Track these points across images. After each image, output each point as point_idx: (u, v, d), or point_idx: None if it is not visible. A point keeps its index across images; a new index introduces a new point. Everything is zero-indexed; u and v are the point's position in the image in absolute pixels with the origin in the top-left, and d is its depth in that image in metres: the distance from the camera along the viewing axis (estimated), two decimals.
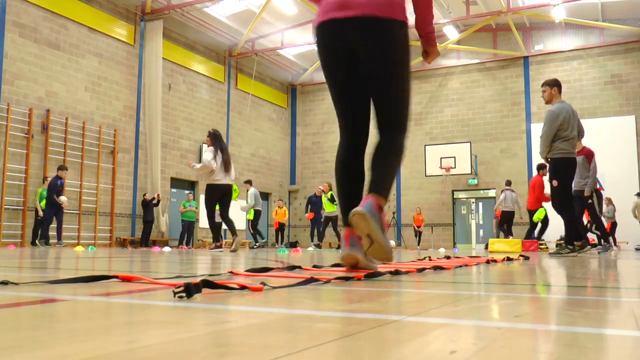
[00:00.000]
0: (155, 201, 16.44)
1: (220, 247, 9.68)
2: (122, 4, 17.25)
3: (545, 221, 13.27)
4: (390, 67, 3.11)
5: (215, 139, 9.44)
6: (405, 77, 3.27)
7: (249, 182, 16.83)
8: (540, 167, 12.90)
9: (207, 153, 9.25)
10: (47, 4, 14.97)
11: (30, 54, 14.43)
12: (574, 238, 7.07)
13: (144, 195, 16.73)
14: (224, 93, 21.48)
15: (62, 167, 13.45)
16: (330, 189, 16.15)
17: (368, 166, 2.82)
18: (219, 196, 9.19)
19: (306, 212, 17.53)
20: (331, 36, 3.02)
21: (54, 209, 13.14)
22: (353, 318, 1.20)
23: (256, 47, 21.84)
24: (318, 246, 16.50)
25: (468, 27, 21.20)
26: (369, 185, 2.73)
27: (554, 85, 7.31)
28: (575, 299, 1.82)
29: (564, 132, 7.07)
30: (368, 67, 2.99)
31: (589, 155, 10.41)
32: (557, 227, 18.80)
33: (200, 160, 19.41)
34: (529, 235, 13.26)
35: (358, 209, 2.49)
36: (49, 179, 13.38)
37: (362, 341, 0.93)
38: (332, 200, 15.86)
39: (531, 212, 13.27)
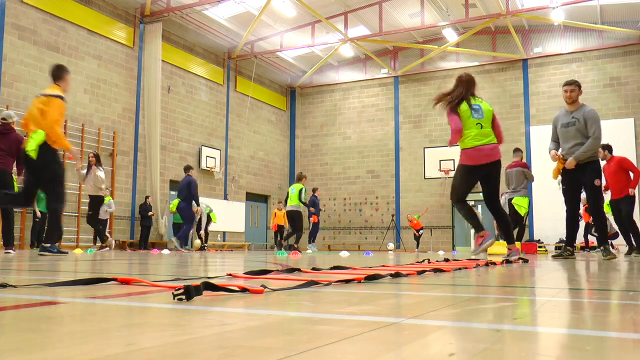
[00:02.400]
0: (150, 209, 16.57)
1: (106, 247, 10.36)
2: (122, 7, 17.26)
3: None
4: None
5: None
6: None
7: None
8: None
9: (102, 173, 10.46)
10: (46, 6, 14.97)
11: (29, 56, 14.43)
12: (606, 239, 7.01)
13: (147, 198, 16.72)
14: (223, 95, 21.48)
15: None
16: (299, 180, 14.23)
17: None
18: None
19: (309, 215, 16.84)
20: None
21: None
22: (352, 320, 1.20)
23: (255, 50, 21.85)
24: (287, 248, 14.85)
25: (467, 30, 21.23)
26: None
27: (579, 86, 7.41)
28: (573, 301, 1.82)
29: None
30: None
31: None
32: (555, 228, 18.84)
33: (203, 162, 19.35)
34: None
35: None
36: None
37: (362, 343, 0.93)
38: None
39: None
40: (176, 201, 13.41)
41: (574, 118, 7.19)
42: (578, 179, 7.00)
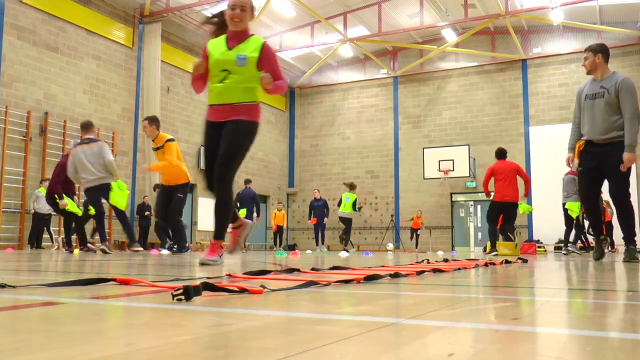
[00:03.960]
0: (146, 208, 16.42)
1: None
2: (121, 7, 17.25)
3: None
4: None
5: None
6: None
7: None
8: (505, 153, 10.79)
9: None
10: (45, 6, 14.96)
11: (28, 57, 14.42)
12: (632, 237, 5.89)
13: (144, 197, 16.71)
14: None
15: None
16: (352, 189, 15.86)
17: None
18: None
19: (309, 218, 17.57)
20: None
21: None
22: (352, 320, 1.20)
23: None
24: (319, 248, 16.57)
25: (466, 30, 21.24)
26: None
27: (600, 51, 6.18)
28: (573, 302, 1.82)
29: None
30: None
31: None
32: (555, 228, 18.83)
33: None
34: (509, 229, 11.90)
35: None
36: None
37: (361, 344, 0.93)
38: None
39: (513, 205, 11.38)
40: (243, 211, 14.80)
41: (602, 88, 6.03)
42: (601, 160, 5.85)
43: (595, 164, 5.88)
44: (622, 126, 5.78)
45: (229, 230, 4.53)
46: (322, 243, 17.15)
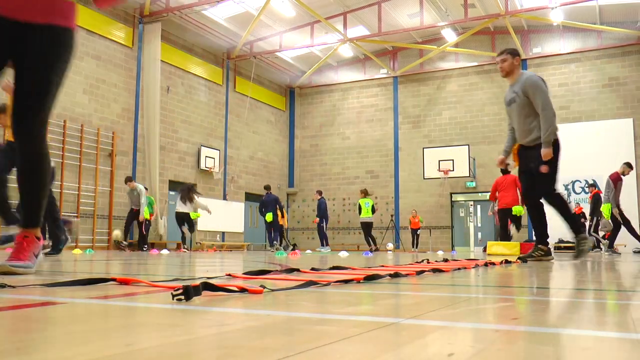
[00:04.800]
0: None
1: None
2: (121, 7, 17.25)
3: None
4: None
5: None
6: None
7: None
8: (506, 172, 12.27)
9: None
10: None
11: None
12: (580, 228, 6.05)
13: None
14: (222, 95, 21.48)
15: None
16: (367, 195, 16.95)
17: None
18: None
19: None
20: None
21: None
22: (351, 320, 1.20)
23: (254, 50, 21.85)
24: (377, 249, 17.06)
25: (466, 30, 21.24)
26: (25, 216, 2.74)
27: (517, 54, 6.19)
28: (573, 302, 1.82)
29: None
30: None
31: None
32: (555, 228, 18.84)
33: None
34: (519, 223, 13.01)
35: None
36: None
37: (361, 344, 0.93)
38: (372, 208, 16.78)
39: (508, 212, 12.61)
40: (269, 215, 16.32)
41: (513, 92, 6.08)
42: (527, 163, 6.07)
43: (526, 167, 6.09)
44: (535, 131, 5.97)
45: (20, 233, 2.81)
46: (327, 244, 17.66)
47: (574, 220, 5.97)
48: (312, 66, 23.71)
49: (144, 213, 14.41)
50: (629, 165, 12.41)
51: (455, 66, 22.63)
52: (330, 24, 19.72)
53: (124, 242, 14.50)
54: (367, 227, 16.95)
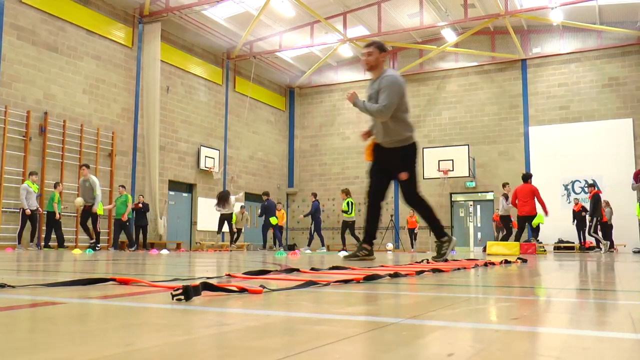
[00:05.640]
0: (140, 205, 16.18)
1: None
2: (120, 7, 17.25)
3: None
4: None
5: None
6: None
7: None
8: (530, 176, 13.37)
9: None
10: (45, 6, 14.95)
11: (28, 57, 14.42)
12: (442, 232, 5.70)
13: (140, 197, 16.68)
14: (222, 95, 21.48)
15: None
16: (348, 196, 16.59)
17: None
18: None
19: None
20: None
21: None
22: (351, 320, 1.20)
23: (254, 50, 21.85)
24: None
25: (466, 30, 21.23)
26: None
27: (384, 50, 5.73)
28: (573, 302, 1.82)
29: (404, 113, 5.71)
30: None
31: None
32: (555, 228, 18.87)
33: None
34: (534, 237, 13.63)
35: None
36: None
37: (360, 344, 0.93)
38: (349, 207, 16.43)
39: (531, 218, 13.19)
40: (274, 219, 17.59)
41: (372, 88, 5.67)
42: (386, 165, 5.71)
43: (383, 166, 5.72)
44: (398, 131, 5.56)
45: None
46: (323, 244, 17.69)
47: (437, 224, 5.68)
48: (312, 66, 23.71)
49: (98, 207, 13.21)
50: None
51: (455, 66, 22.63)
52: (330, 24, 19.72)
53: (98, 245, 13.36)
54: (347, 225, 16.58)
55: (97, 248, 13.10)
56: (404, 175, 5.52)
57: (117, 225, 15.35)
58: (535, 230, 13.61)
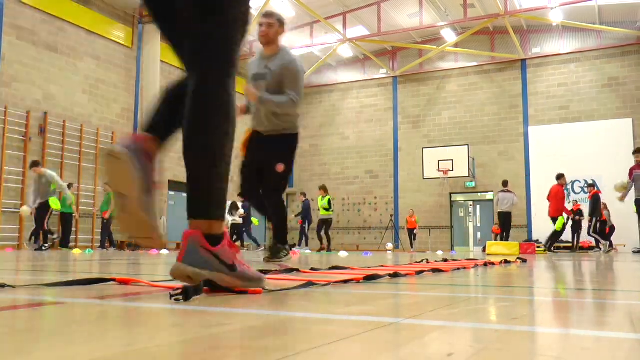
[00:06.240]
0: None
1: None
2: (120, 7, 17.25)
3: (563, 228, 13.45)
4: None
5: None
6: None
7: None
8: (560, 177, 13.46)
9: None
10: (45, 6, 14.96)
11: (28, 57, 14.42)
12: (285, 239, 5.13)
13: None
14: None
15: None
16: (327, 194, 16.43)
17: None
18: None
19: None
20: None
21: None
22: (351, 320, 1.20)
23: (254, 50, 21.84)
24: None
25: (466, 30, 21.24)
26: (187, 204, 1.78)
27: (284, 24, 5.25)
28: (572, 302, 1.82)
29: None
30: None
31: None
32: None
33: None
34: (554, 241, 13.58)
35: (178, 266, 1.69)
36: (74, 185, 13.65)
37: (360, 344, 0.93)
38: (328, 204, 16.28)
39: (553, 220, 13.37)
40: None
41: (265, 67, 5.05)
42: (263, 155, 5.03)
43: (259, 158, 5.05)
44: (287, 119, 5.01)
45: None
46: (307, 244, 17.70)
47: (284, 229, 5.15)
48: (312, 66, 23.70)
49: (53, 203, 11.91)
50: None
51: (455, 66, 22.64)
52: (329, 24, 19.72)
53: (46, 245, 12.05)
54: (324, 223, 16.48)
55: (44, 248, 11.77)
56: (281, 167, 4.92)
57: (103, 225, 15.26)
58: (554, 235, 13.40)
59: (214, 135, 1.78)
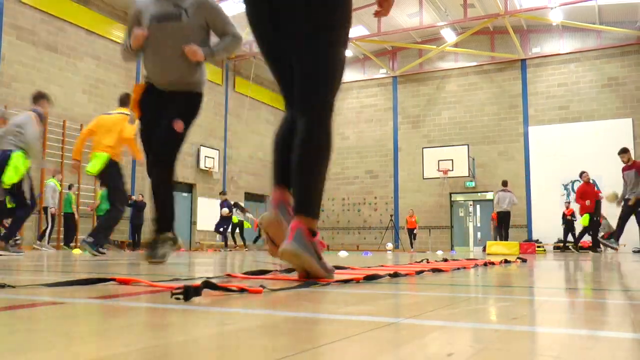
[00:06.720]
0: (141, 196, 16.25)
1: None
2: (120, 7, 17.25)
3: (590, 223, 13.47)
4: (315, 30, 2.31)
5: None
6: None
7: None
8: (580, 175, 13.43)
9: None
10: (44, 6, 14.95)
11: (27, 57, 14.42)
12: (171, 225, 4.31)
13: (130, 196, 16.63)
14: (222, 96, 21.47)
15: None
16: None
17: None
18: None
19: None
20: None
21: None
22: (351, 320, 1.20)
23: (254, 50, 21.84)
24: None
25: (465, 30, 21.24)
26: (294, 202, 2.29)
27: None
28: (572, 301, 1.82)
29: None
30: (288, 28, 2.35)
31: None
32: (554, 228, 18.86)
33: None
34: (580, 238, 13.99)
35: (287, 246, 2.12)
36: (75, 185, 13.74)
37: (360, 343, 0.93)
38: None
39: (582, 217, 13.47)
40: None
41: (177, 7, 4.19)
42: (160, 113, 4.26)
43: (153, 117, 4.28)
44: (193, 73, 4.25)
45: None
46: None
47: (171, 215, 4.33)
48: None
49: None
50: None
51: (455, 66, 22.64)
52: None
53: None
54: None
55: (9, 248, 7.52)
56: (180, 125, 4.17)
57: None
58: (580, 233, 13.64)
59: (322, 167, 2.29)
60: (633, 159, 11.33)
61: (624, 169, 11.34)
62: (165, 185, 4.29)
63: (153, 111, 4.29)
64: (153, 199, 4.33)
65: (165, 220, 4.27)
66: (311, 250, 2.15)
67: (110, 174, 6.86)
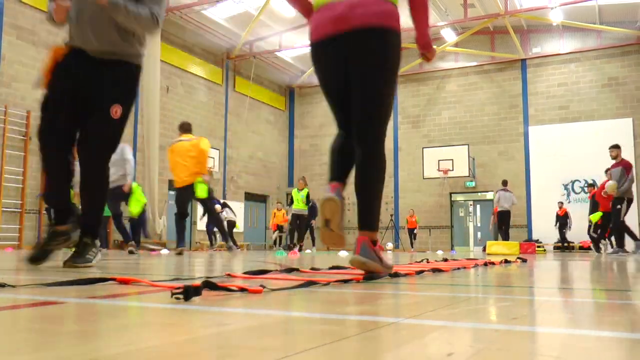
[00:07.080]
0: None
1: None
2: None
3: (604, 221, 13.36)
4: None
5: None
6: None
7: None
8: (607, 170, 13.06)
9: None
10: (44, 6, 14.93)
11: (27, 57, 14.41)
12: (97, 231, 3.69)
13: None
14: (222, 95, 21.47)
15: None
16: (306, 186, 15.06)
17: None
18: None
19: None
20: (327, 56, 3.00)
21: None
22: (351, 320, 1.20)
23: (254, 50, 21.84)
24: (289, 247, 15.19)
25: (466, 30, 21.24)
26: (358, 219, 2.84)
27: None
28: (572, 301, 1.82)
29: None
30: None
31: (627, 166, 10.66)
32: (554, 228, 18.85)
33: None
34: (601, 236, 13.58)
35: (357, 257, 2.62)
36: None
37: (360, 343, 0.93)
38: (306, 199, 14.87)
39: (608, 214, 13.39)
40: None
41: None
42: (84, 87, 3.46)
43: (76, 87, 3.45)
44: (128, 39, 3.52)
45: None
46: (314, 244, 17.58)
47: (100, 212, 3.80)
48: (312, 66, 23.69)
49: None
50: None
51: (455, 66, 22.63)
52: None
53: None
54: (298, 218, 14.96)
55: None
56: (117, 111, 3.42)
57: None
58: (600, 227, 13.20)
59: (378, 188, 2.85)
60: (622, 157, 11.24)
61: (611, 167, 11.28)
62: (104, 182, 3.71)
63: (70, 81, 3.45)
64: (80, 191, 3.74)
65: (96, 219, 3.69)
66: (374, 257, 2.62)
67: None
